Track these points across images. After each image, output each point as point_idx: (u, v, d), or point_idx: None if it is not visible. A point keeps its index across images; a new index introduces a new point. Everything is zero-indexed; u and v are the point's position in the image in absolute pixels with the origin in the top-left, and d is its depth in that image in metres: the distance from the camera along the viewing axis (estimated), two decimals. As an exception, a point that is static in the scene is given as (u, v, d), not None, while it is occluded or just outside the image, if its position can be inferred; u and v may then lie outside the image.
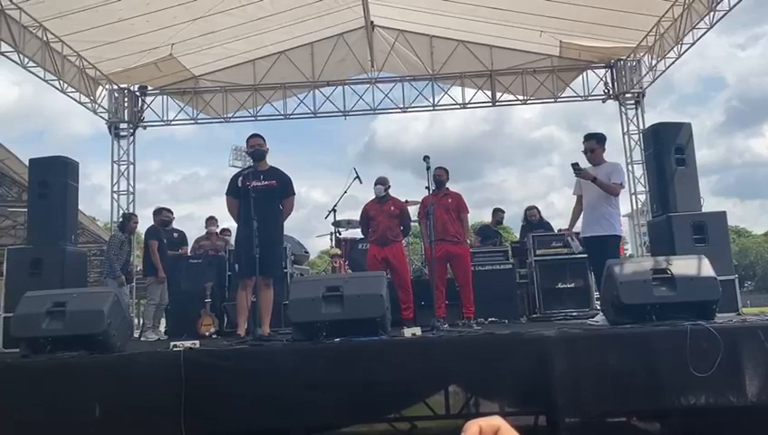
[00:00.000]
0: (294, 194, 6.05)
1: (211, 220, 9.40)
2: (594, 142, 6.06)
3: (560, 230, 8.72)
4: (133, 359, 4.21)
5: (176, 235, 8.93)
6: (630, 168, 10.49)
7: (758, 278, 59.14)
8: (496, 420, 0.76)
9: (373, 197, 7.10)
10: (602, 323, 5.38)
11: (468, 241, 7.39)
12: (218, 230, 9.60)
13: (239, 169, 6.51)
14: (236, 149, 33.21)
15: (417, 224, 7.87)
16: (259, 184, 5.67)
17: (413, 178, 69.67)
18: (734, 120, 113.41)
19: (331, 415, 4.00)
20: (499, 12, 9.44)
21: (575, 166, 5.88)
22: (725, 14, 8.07)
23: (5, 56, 8.11)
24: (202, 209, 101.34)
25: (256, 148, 5.88)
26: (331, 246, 8.93)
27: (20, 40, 8.16)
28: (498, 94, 11.16)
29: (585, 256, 6.79)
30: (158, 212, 8.48)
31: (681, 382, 3.77)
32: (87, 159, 36.51)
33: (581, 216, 6.12)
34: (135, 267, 9.89)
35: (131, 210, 10.69)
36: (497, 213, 10.02)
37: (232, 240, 8.55)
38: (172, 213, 8.74)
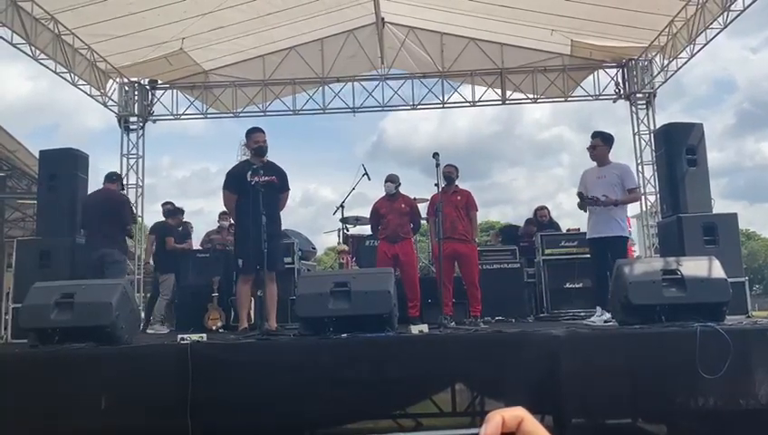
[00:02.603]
0: (290, 189, 6.07)
1: (224, 215, 9.42)
2: (599, 140, 6.03)
3: (568, 230, 8.69)
4: (140, 351, 4.23)
5: (181, 227, 8.98)
6: (640, 168, 10.42)
7: (767, 282, 58.66)
8: (519, 412, 0.74)
9: (383, 194, 7.08)
10: (605, 321, 5.36)
11: (476, 240, 7.34)
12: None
13: (235, 164, 6.50)
14: (245, 145, 33.23)
15: (425, 221, 7.86)
16: (261, 179, 5.68)
17: (421, 176, 69.54)
18: (744, 122, 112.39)
19: (337, 411, 4.00)
20: (510, 10, 9.38)
21: (593, 199, 5.78)
22: (739, 14, 7.98)
23: (18, 48, 8.14)
24: (212, 205, 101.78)
25: (261, 144, 5.89)
26: (339, 243, 8.92)
27: (32, 32, 8.19)
28: (508, 93, 11.10)
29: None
30: (180, 212, 8.72)
31: (690, 384, 3.74)
32: (98, 152, 36.53)
33: (587, 216, 6.06)
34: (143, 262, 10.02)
35: (140, 204, 10.71)
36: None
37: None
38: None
